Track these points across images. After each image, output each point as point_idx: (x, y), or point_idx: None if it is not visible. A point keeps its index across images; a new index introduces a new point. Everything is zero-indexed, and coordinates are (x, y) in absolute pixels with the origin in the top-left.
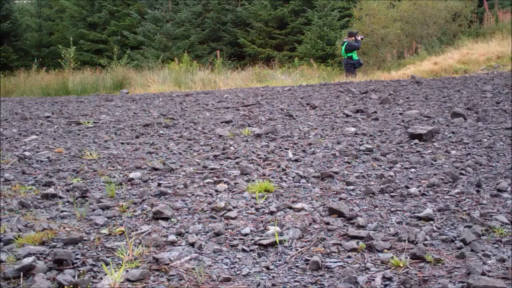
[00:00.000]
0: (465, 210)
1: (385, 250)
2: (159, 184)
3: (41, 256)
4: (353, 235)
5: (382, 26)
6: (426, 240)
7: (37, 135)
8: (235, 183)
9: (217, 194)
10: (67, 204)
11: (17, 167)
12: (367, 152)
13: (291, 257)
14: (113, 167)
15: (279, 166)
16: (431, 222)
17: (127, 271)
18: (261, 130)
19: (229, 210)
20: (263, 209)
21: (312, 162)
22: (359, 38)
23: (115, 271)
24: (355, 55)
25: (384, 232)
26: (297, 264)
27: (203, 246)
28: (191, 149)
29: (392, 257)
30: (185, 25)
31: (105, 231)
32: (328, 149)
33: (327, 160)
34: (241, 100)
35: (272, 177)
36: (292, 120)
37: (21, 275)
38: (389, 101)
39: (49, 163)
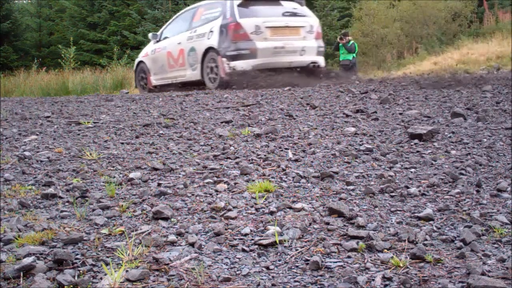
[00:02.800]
0: (465, 210)
1: (385, 250)
2: (159, 184)
3: (41, 256)
4: (353, 235)
5: (382, 26)
6: (426, 240)
7: (37, 135)
8: (235, 183)
9: (217, 194)
10: (67, 204)
11: (17, 167)
12: (367, 152)
13: (291, 257)
14: (113, 167)
15: (279, 166)
16: (431, 222)
17: (127, 271)
18: (261, 130)
19: (229, 210)
20: (263, 209)
21: (312, 162)
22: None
23: (115, 271)
24: (341, 56)
25: (384, 232)
26: (297, 264)
27: (203, 246)
28: (191, 149)
29: (392, 257)
30: None
31: (105, 231)
32: (328, 149)
33: (327, 160)
34: (241, 100)
35: (272, 177)
36: (292, 120)
37: (21, 275)
38: (389, 101)
39: (49, 163)
